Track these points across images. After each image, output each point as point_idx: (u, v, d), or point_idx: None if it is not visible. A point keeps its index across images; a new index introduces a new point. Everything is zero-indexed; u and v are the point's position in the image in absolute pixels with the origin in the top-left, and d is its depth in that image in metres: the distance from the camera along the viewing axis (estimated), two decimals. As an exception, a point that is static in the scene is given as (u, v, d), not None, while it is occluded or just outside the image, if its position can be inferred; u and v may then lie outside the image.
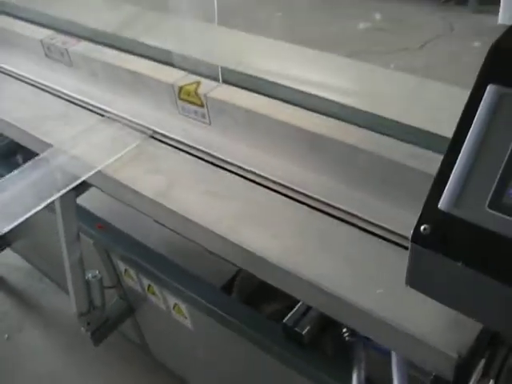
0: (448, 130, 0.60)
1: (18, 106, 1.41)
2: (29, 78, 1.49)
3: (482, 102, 0.52)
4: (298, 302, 1.16)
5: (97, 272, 1.51)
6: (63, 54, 1.42)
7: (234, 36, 1.49)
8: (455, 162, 0.52)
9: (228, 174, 1.10)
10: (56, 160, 1.22)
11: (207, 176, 1.10)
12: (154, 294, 1.46)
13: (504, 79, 0.51)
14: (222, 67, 1.23)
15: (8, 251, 2.33)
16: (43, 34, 1.50)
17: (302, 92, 1.15)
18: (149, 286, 1.45)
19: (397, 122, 1.02)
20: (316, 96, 1.13)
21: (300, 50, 1.51)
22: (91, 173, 1.15)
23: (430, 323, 0.78)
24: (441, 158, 0.56)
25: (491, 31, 3.69)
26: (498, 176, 0.49)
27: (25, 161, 2.00)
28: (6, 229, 1.09)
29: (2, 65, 1.56)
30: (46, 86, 1.46)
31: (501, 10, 3.79)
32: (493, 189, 0.49)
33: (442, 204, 0.53)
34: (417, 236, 0.55)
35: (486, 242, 0.50)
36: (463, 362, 0.74)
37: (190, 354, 1.59)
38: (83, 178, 1.15)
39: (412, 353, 0.82)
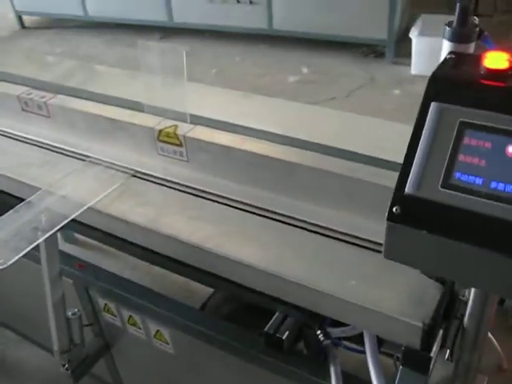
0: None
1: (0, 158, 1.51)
2: (7, 132, 1.60)
3: (428, 115, 0.72)
4: (267, 316, 1.33)
5: (76, 310, 1.59)
6: (41, 106, 1.55)
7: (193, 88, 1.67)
8: (414, 158, 0.72)
9: (208, 201, 1.26)
10: (44, 202, 1.33)
11: (190, 205, 1.25)
12: (134, 324, 1.56)
13: (442, 98, 0.72)
14: (190, 114, 1.41)
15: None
16: (18, 90, 1.62)
17: (259, 130, 1.35)
18: (129, 317, 1.55)
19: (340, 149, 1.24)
20: (273, 133, 1.33)
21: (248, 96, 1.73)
22: (81, 210, 1.27)
23: (395, 303, 0.97)
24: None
25: (407, 81, 4.12)
26: (445, 164, 0.70)
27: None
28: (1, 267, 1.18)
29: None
30: (25, 137, 1.57)
31: (412, 62, 4.24)
32: (442, 174, 0.69)
33: (407, 189, 0.73)
34: (391, 215, 0.74)
35: (441, 213, 0.70)
36: (427, 329, 0.92)
37: (172, 381, 1.68)
38: (73, 216, 1.27)
39: (383, 330, 0.99)
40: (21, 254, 1.16)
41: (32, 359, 2.30)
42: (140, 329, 1.55)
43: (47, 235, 1.22)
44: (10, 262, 1.14)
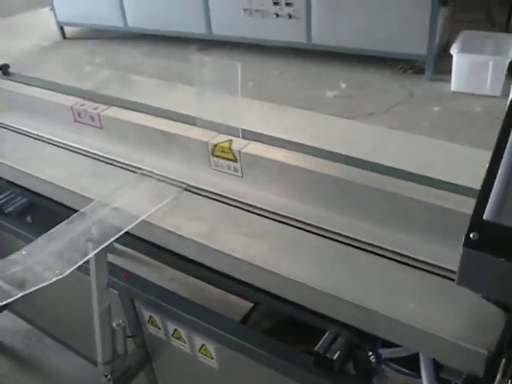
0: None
1: (52, 167, 1.53)
2: (59, 142, 1.63)
3: (509, 139, 0.70)
4: (308, 332, 1.31)
5: (120, 321, 1.59)
6: (94, 118, 1.57)
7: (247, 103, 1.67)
8: (493, 183, 0.70)
9: (261, 218, 1.26)
10: (97, 213, 1.34)
11: (243, 221, 1.25)
12: (179, 338, 1.56)
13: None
14: (242, 129, 1.41)
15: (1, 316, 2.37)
16: (71, 101, 1.65)
17: (314, 147, 1.34)
18: (175, 330, 1.55)
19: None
20: (328, 150, 1.33)
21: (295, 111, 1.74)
22: (135, 223, 1.28)
23: (457, 329, 0.94)
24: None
25: (447, 97, 4.07)
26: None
27: (34, 221, 2.12)
28: (57, 278, 1.18)
29: (32, 130, 1.69)
30: (76, 148, 1.59)
31: (453, 78, 4.19)
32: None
33: (486, 215, 0.71)
34: (467, 241, 0.72)
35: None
36: (492, 357, 0.90)
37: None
38: (127, 228, 1.27)
39: (444, 355, 0.97)
40: (75, 266, 1.17)
41: (69, 367, 2.32)
42: (185, 343, 1.54)
43: (101, 247, 1.22)
44: (66, 273, 1.15)
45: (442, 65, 4.39)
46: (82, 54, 5.71)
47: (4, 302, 1.03)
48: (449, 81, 4.20)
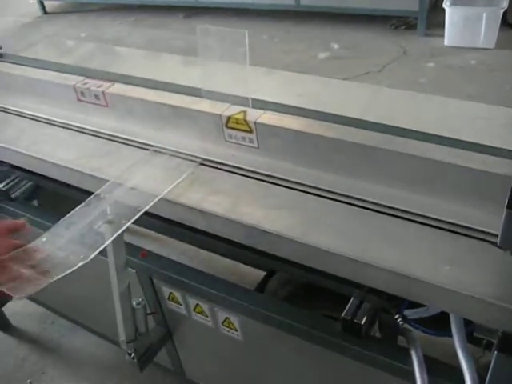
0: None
1: (60, 149, 1.50)
2: (64, 123, 1.59)
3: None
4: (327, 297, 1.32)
5: (140, 299, 1.59)
6: (98, 96, 1.53)
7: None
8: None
9: (282, 188, 1.24)
10: (113, 194, 1.31)
11: (265, 192, 1.23)
12: (201, 312, 1.56)
13: None
14: (252, 98, 1.38)
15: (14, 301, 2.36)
16: (73, 80, 1.61)
17: (328, 113, 1.32)
18: (196, 305, 1.55)
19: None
20: (343, 116, 1.31)
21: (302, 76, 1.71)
22: (154, 201, 1.26)
23: (491, 288, 0.94)
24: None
25: (441, 53, 4.03)
26: None
27: (41, 204, 2.10)
28: (82, 263, 1.16)
29: (34, 112, 1.65)
30: (83, 128, 1.56)
31: (446, 33, 4.14)
32: None
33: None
34: (511, 203, 0.71)
35: None
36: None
37: (237, 368, 1.69)
38: (147, 207, 1.25)
39: (478, 315, 0.97)
40: (99, 249, 1.15)
41: (87, 347, 2.33)
42: (207, 317, 1.55)
43: (123, 228, 1.21)
44: (90, 257, 1.13)
45: (434, 19, 4.35)
46: (66, 28, 5.58)
47: (32, 292, 1.02)
48: (442, 35, 4.16)
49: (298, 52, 4.27)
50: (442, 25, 4.13)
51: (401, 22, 4.49)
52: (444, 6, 4.02)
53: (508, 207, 0.71)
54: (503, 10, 3.91)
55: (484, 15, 3.89)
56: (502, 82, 3.21)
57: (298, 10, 4.72)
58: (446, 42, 4.17)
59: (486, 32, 3.97)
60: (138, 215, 1.24)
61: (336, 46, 4.30)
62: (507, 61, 3.65)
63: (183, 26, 5.10)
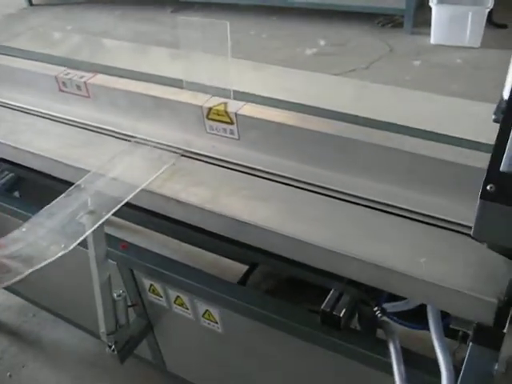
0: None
1: (41, 139, 1.49)
2: (45, 113, 1.58)
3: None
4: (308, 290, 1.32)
5: (121, 291, 1.59)
6: (80, 86, 1.52)
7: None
8: (509, 134, 0.70)
9: (262, 180, 1.24)
10: (95, 185, 1.31)
11: (244, 184, 1.23)
12: (181, 305, 1.56)
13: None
14: (233, 90, 1.38)
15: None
16: (55, 70, 1.59)
17: (310, 106, 1.32)
18: (176, 297, 1.55)
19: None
20: (324, 108, 1.31)
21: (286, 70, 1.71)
22: (135, 192, 1.25)
23: (466, 280, 0.95)
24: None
25: (427, 51, 4.05)
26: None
27: (22, 195, 2.08)
28: (63, 252, 1.15)
29: (15, 102, 1.64)
30: (64, 118, 1.55)
31: (432, 31, 4.17)
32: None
33: (503, 166, 0.70)
34: (484, 193, 0.72)
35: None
36: (503, 305, 0.91)
37: (218, 360, 1.69)
38: (128, 198, 1.25)
39: (453, 306, 0.98)
40: (80, 240, 1.15)
41: (68, 340, 2.32)
42: (187, 309, 1.55)
43: (105, 218, 1.20)
44: (71, 247, 1.12)
45: (420, 18, 4.37)
46: (51, 20, 5.53)
47: (14, 281, 1.01)
48: (428, 34, 4.19)
49: (284, 48, 4.27)
50: (429, 23, 4.15)
51: (388, 20, 4.51)
52: (430, 4, 4.04)
53: (481, 197, 0.72)
54: (488, 10, 3.95)
55: (470, 14, 3.92)
56: (486, 80, 3.23)
57: (286, 5, 4.73)
58: (433, 40, 4.19)
59: (471, 31, 4.00)
60: (119, 206, 1.24)
61: (323, 43, 4.30)
62: (492, 59, 3.68)
63: (171, 20, 5.07)
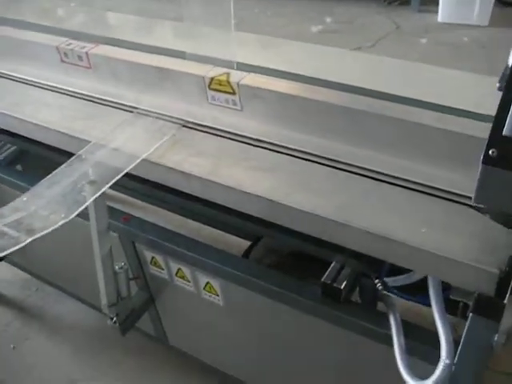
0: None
1: (43, 110, 1.48)
2: (47, 84, 1.56)
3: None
4: (312, 267, 1.32)
5: (123, 263, 1.59)
6: (82, 57, 1.50)
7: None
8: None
9: (264, 151, 1.23)
10: (96, 155, 1.30)
11: (246, 155, 1.22)
12: (183, 277, 1.56)
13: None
14: (237, 62, 1.37)
15: (-2, 267, 2.36)
16: (56, 41, 1.58)
17: (313, 78, 1.31)
18: (178, 270, 1.55)
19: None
20: (327, 80, 1.29)
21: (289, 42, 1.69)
22: (136, 162, 1.24)
23: (467, 250, 0.94)
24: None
25: (434, 28, 4.00)
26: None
27: (24, 169, 2.08)
28: (63, 221, 1.15)
29: (16, 74, 1.63)
30: (66, 90, 1.53)
31: (440, 9, 4.11)
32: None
33: (506, 130, 0.69)
34: (487, 158, 0.71)
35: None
36: (504, 276, 0.91)
37: (218, 333, 1.70)
38: (129, 168, 1.24)
39: (455, 277, 0.98)
40: (80, 209, 1.15)
41: (72, 314, 2.33)
42: (189, 281, 1.55)
43: (105, 188, 1.20)
44: (71, 216, 1.12)
45: (427, -5, 4.31)
46: (55, -3, 5.47)
47: (14, 249, 1.01)
48: (435, 12, 4.13)
49: (290, 25, 4.23)
50: (436, 1, 4.10)
51: (395, -2, 4.46)
52: (438, -19, 3.99)
53: (483, 162, 0.71)
54: (498, -13, 3.90)
55: (478, -8, 3.87)
56: (492, 58, 3.19)
57: (292, -18, 4.67)
58: (440, 18, 4.14)
59: (479, 9, 3.94)
60: (120, 176, 1.23)
61: (329, 20, 4.26)
62: (499, 38, 3.63)
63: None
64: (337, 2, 4.51)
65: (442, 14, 4.11)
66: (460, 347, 1.04)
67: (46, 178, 1.25)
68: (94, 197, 1.19)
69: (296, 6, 4.60)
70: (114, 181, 1.21)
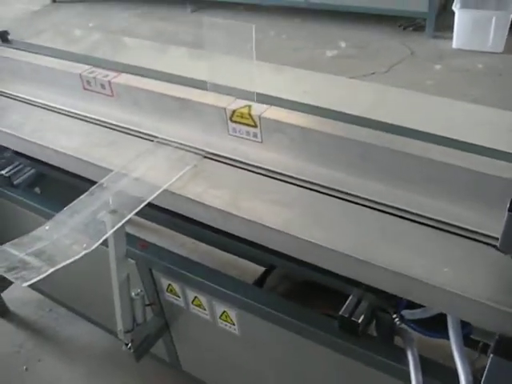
0: None
1: (64, 137, 1.50)
2: (69, 111, 1.59)
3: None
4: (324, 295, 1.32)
5: (139, 290, 1.60)
6: (104, 85, 1.53)
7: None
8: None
9: (284, 184, 1.24)
10: (118, 184, 1.31)
11: (266, 187, 1.23)
12: (199, 305, 1.56)
13: None
14: (257, 93, 1.38)
15: (14, 286, 2.37)
16: (79, 68, 1.61)
17: (333, 111, 1.32)
18: (194, 298, 1.55)
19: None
20: (348, 114, 1.31)
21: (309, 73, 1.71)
22: (157, 193, 1.26)
23: (488, 290, 0.94)
24: None
25: (449, 55, 4.02)
26: None
27: (42, 191, 2.10)
28: (85, 252, 1.16)
29: (40, 100, 1.66)
30: (88, 117, 1.56)
31: (454, 35, 4.13)
32: None
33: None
34: (513, 207, 0.71)
35: None
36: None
37: (233, 362, 1.69)
38: (151, 198, 1.25)
39: (475, 317, 0.97)
40: (102, 239, 1.16)
41: (84, 336, 2.33)
42: (205, 310, 1.55)
43: (126, 219, 1.21)
44: (93, 246, 1.13)
45: (442, 21, 4.34)
46: (74, 17, 5.58)
47: (36, 279, 1.02)
48: (450, 38, 4.15)
49: (305, 49, 4.27)
50: (451, 27, 4.12)
51: (409, 23, 4.48)
52: (454, 8, 4.01)
53: (510, 210, 0.71)
54: (512, 15, 3.90)
55: (493, 19, 3.87)
56: (508, 86, 3.20)
57: (307, 7, 4.71)
58: (455, 44, 4.15)
59: (494, 36, 3.96)
60: (141, 206, 1.24)
61: (344, 45, 4.29)
62: (514, 65, 3.65)
63: (191, 19, 5.10)
64: (351, 26, 4.55)
65: (457, 41, 4.13)
66: (481, 388, 1.03)
67: (67, 207, 1.26)
68: (116, 227, 1.20)
69: (311, 30, 4.65)
70: (135, 211, 1.22)
